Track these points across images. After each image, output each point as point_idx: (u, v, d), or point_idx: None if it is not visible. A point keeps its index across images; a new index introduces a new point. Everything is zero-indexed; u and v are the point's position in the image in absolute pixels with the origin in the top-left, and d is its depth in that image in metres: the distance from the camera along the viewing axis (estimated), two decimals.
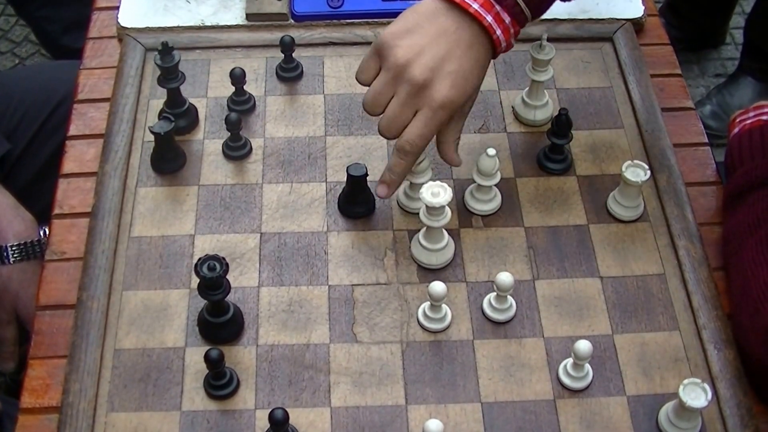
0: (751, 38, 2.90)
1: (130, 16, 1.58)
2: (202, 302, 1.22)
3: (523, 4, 1.25)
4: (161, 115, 1.42)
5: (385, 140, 1.43)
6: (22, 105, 1.73)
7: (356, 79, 1.30)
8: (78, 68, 1.56)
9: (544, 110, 1.46)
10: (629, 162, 1.32)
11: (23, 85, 1.77)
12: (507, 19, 1.25)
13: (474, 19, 1.24)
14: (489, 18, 1.23)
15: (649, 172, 1.32)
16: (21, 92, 1.74)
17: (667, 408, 1.17)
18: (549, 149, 1.41)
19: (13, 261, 1.47)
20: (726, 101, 2.92)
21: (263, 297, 1.27)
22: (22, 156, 1.71)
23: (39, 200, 1.54)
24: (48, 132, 1.72)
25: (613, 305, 1.27)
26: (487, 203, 1.36)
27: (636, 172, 1.31)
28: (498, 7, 1.24)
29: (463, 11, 1.24)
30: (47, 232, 1.45)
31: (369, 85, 1.28)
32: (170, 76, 1.39)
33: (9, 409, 1.45)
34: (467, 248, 1.33)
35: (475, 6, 1.23)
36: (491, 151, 1.30)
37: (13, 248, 1.47)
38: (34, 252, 1.48)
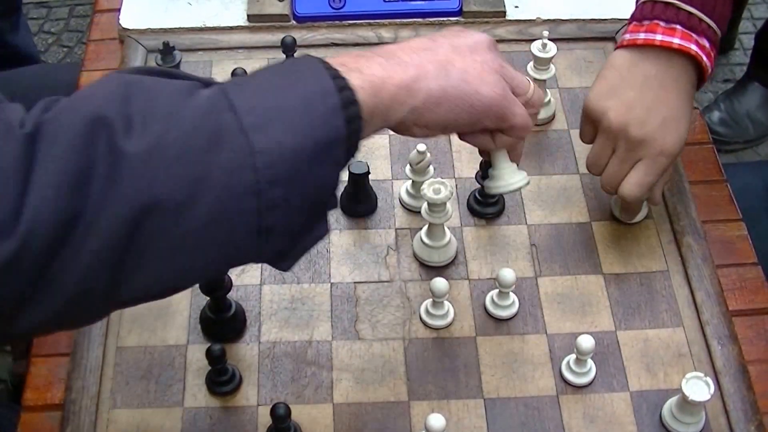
0: (761, 48, 2.89)
1: (131, 18, 1.59)
2: (204, 300, 1.22)
3: (714, 26, 1.25)
4: None
5: (387, 140, 1.43)
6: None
7: (581, 140, 1.33)
8: (77, 70, 1.56)
9: (547, 109, 1.46)
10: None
11: (22, 86, 1.77)
12: (707, 44, 1.25)
13: (678, 53, 1.24)
14: (694, 47, 1.24)
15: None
16: (20, 94, 1.74)
17: (671, 403, 1.16)
18: (479, 193, 1.37)
19: None
20: (734, 107, 2.91)
21: (265, 295, 1.27)
22: None
23: None
24: None
25: (616, 302, 1.27)
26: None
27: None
28: (695, 35, 1.24)
29: (663, 50, 1.24)
30: None
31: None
32: None
33: (9, 414, 1.45)
34: (469, 246, 1.33)
35: (677, 41, 1.23)
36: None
37: None
38: None
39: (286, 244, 0.93)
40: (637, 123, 1.23)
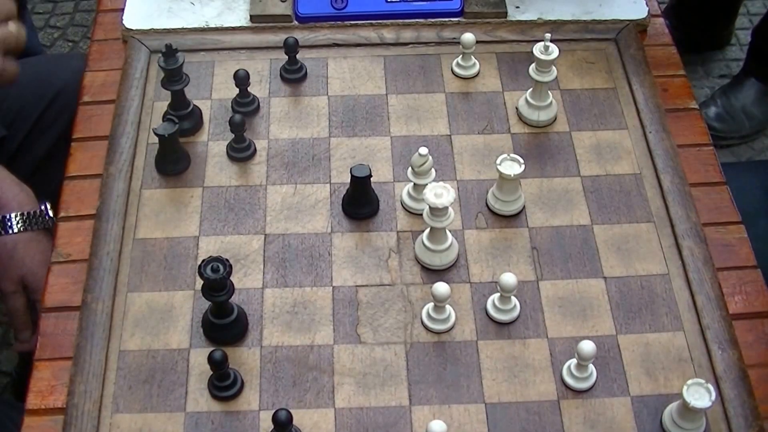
0: (758, 44, 2.89)
1: (134, 18, 1.59)
2: (206, 304, 1.22)
3: None
4: (165, 117, 1.42)
5: (389, 141, 1.44)
6: (19, 97, 1.73)
7: None
8: (75, 61, 1.56)
9: (548, 111, 1.46)
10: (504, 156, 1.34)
11: (28, 76, 1.77)
12: None
13: None
14: None
15: (524, 166, 1.33)
16: (18, 84, 1.74)
17: (671, 408, 1.17)
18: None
19: (18, 230, 1.46)
20: (730, 103, 2.92)
21: (267, 298, 1.27)
22: (20, 147, 1.71)
23: (38, 191, 1.54)
24: (46, 124, 1.72)
25: (617, 306, 1.27)
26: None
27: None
28: None
29: None
30: (48, 206, 1.45)
31: None
32: (174, 79, 1.40)
33: (12, 414, 1.45)
34: (471, 249, 1.33)
35: None
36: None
37: (17, 217, 1.46)
38: (37, 222, 1.47)
39: None
40: None
